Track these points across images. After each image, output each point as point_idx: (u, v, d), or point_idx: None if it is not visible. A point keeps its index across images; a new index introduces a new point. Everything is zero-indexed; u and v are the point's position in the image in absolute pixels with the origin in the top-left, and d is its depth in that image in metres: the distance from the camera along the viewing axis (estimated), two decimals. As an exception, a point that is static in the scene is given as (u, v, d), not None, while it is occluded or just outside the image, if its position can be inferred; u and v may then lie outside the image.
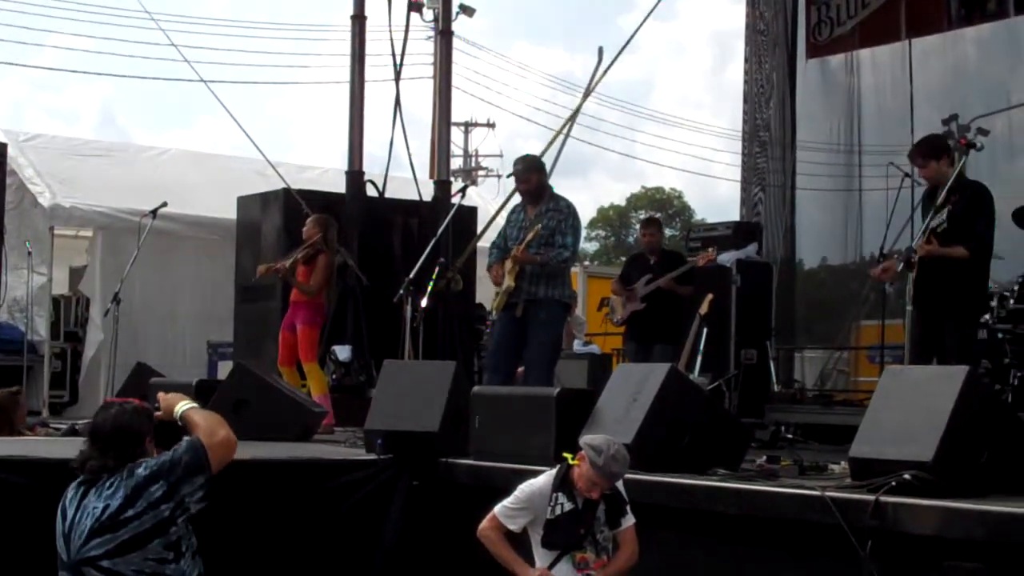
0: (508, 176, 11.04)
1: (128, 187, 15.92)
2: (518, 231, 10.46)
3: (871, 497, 5.96)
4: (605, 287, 18.13)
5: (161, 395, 5.83)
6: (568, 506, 6.28)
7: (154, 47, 22.51)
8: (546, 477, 6.45)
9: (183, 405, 5.67)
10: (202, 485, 5.41)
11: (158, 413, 5.73)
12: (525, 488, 6.48)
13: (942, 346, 9.05)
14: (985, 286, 9.75)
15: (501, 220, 11.58)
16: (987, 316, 10.48)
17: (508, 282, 10.25)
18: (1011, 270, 11.63)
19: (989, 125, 14.48)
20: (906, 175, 11.56)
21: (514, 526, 6.44)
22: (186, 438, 5.51)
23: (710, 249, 12.45)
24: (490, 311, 13.33)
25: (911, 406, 6.45)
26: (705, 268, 12.61)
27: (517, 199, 11.13)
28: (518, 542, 6.49)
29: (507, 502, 6.48)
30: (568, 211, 10.44)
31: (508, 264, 10.29)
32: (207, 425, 5.56)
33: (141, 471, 5.34)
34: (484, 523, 6.50)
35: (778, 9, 16.45)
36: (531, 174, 10.53)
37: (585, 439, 6.33)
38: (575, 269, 20.11)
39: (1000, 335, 10.84)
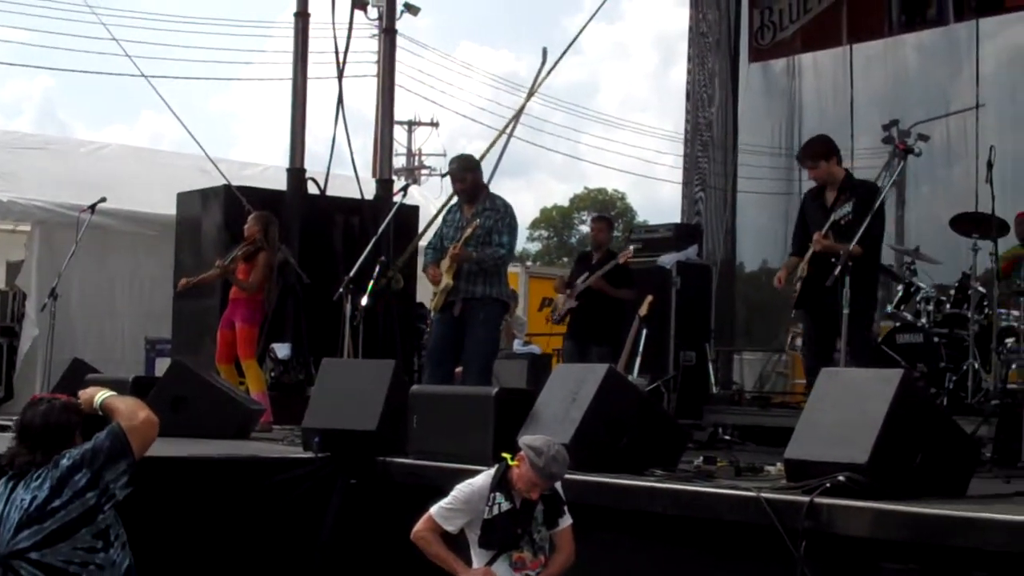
0: (444, 176, 11.04)
1: (67, 182, 15.79)
2: (455, 231, 10.45)
3: (806, 499, 6.00)
4: (547, 287, 18.17)
5: (81, 391, 5.79)
6: (506, 506, 6.28)
7: (96, 41, 22.28)
8: (484, 477, 6.43)
9: (102, 395, 5.64)
10: (125, 470, 5.37)
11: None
12: (463, 488, 6.46)
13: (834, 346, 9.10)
14: (876, 286, 9.78)
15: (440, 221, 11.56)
16: (923, 321, 10.53)
17: (446, 280, 10.23)
18: (948, 275, 11.76)
19: (929, 131, 14.69)
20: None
21: (451, 527, 6.42)
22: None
23: (630, 247, 12.45)
24: (429, 311, 13.31)
25: (846, 408, 6.49)
26: (645, 269, 12.64)
27: (455, 199, 11.14)
28: (454, 542, 6.48)
29: (444, 503, 6.46)
30: (504, 210, 10.45)
31: (445, 263, 10.28)
32: (127, 410, 5.53)
33: (65, 461, 5.32)
34: (419, 525, 6.45)
35: (721, 12, 16.53)
36: (467, 173, 10.54)
37: (525, 440, 6.33)
38: (517, 269, 20.13)
39: (936, 339, 10.94)
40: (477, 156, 11.36)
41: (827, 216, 9.03)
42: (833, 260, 8.59)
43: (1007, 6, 13.95)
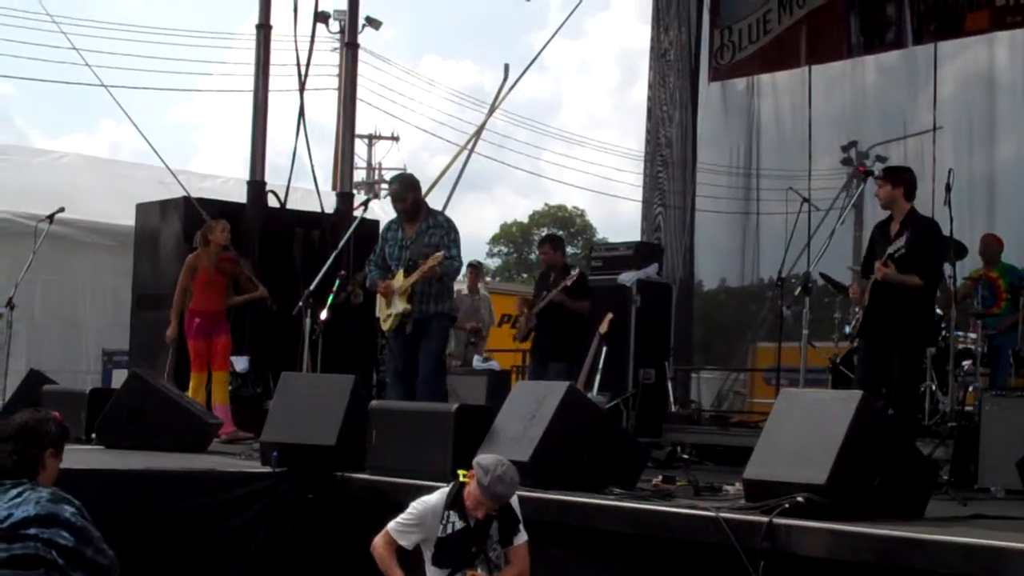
0: (384, 196, 11.06)
1: (25, 191, 15.71)
2: (399, 249, 10.51)
3: (764, 519, 6.02)
4: (506, 303, 18.19)
5: None
6: (459, 524, 6.30)
7: (56, 50, 22.17)
8: (439, 494, 6.45)
9: None
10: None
11: None
12: (418, 505, 6.48)
13: (889, 376, 9.19)
14: (933, 318, 9.89)
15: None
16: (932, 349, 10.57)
17: (403, 305, 10.29)
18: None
19: (887, 153, 14.78)
20: (804, 200, 11.71)
21: (406, 542, 6.45)
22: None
23: (573, 272, 12.38)
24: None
25: (806, 429, 6.52)
26: (605, 287, 12.64)
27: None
28: (411, 558, 6.48)
29: (400, 518, 6.48)
30: (447, 225, 10.57)
31: (401, 285, 10.30)
32: None
33: (67, 508, 5.23)
34: (377, 539, 6.51)
35: (682, 31, 16.59)
36: (408, 193, 10.60)
37: (477, 458, 6.36)
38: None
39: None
40: (439, 171, 11.42)
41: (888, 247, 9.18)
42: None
43: (966, 29, 14.06)
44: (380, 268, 10.67)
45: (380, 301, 10.65)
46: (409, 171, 11.25)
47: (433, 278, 10.26)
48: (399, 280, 10.38)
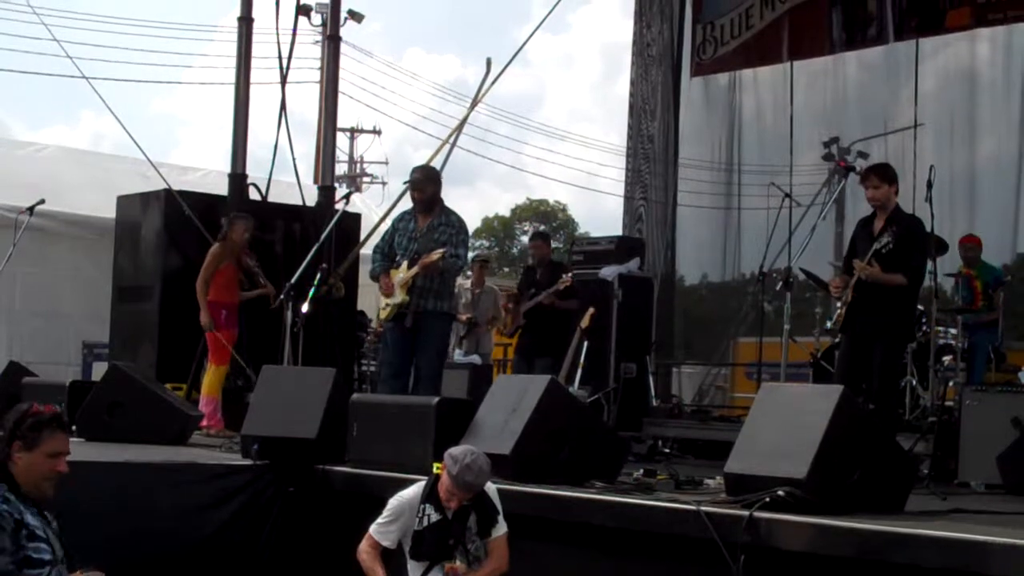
0: (404, 184, 11.02)
1: (5, 183, 15.63)
2: (408, 240, 10.48)
3: (745, 512, 6.04)
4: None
5: None
6: (435, 517, 6.31)
7: (36, 41, 22.03)
8: (416, 488, 6.47)
9: None
10: None
11: None
12: (394, 501, 6.49)
13: (869, 371, 9.20)
14: (914, 314, 9.90)
15: (384, 228, 11.53)
16: (913, 344, 10.57)
17: (402, 296, 10.27)
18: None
19: (868, 149, 14.82)
20: (786, 195, 11.73)
21: (388, 542, 6.45)
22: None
23: (564, 276, 12.44)
24: (370, 319, 13.26)
25: (786, 423, 6.54)
26: (587, 282, 12.67)
27: (401, 207, 11.17)
28: (394, 555, 6.48)
29: (380, 518, 6.51)
30: (459, 225, 10.53)
31: (403, 276, 10.29)
32: None
33: None
34: (362, 544, 6.51)
35: (665, 26, 16.60)
36: (428, 184, 10.56)
37: (449, 449, 6.36)
38: (458, 278, 20.05)
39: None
40: (419, 164, 11.40)
41: (872, 244, 9.15)
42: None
43: (947, 26, 14.12)
44: (385, 256, 10.64)
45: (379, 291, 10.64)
46: (423, 165, 11.11)
47: (434, 273, 10.25)
48: (402, 271, 10.36)
